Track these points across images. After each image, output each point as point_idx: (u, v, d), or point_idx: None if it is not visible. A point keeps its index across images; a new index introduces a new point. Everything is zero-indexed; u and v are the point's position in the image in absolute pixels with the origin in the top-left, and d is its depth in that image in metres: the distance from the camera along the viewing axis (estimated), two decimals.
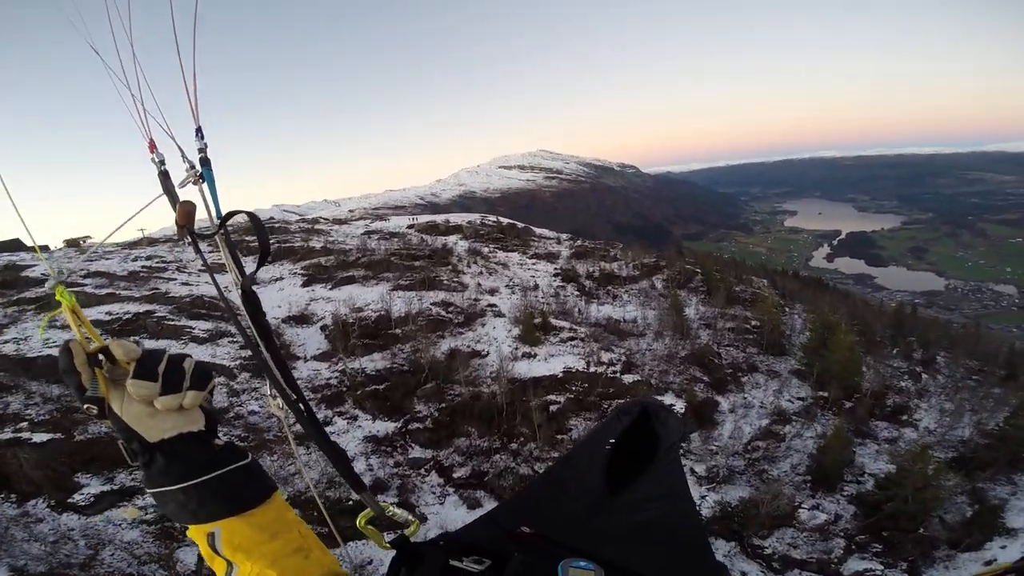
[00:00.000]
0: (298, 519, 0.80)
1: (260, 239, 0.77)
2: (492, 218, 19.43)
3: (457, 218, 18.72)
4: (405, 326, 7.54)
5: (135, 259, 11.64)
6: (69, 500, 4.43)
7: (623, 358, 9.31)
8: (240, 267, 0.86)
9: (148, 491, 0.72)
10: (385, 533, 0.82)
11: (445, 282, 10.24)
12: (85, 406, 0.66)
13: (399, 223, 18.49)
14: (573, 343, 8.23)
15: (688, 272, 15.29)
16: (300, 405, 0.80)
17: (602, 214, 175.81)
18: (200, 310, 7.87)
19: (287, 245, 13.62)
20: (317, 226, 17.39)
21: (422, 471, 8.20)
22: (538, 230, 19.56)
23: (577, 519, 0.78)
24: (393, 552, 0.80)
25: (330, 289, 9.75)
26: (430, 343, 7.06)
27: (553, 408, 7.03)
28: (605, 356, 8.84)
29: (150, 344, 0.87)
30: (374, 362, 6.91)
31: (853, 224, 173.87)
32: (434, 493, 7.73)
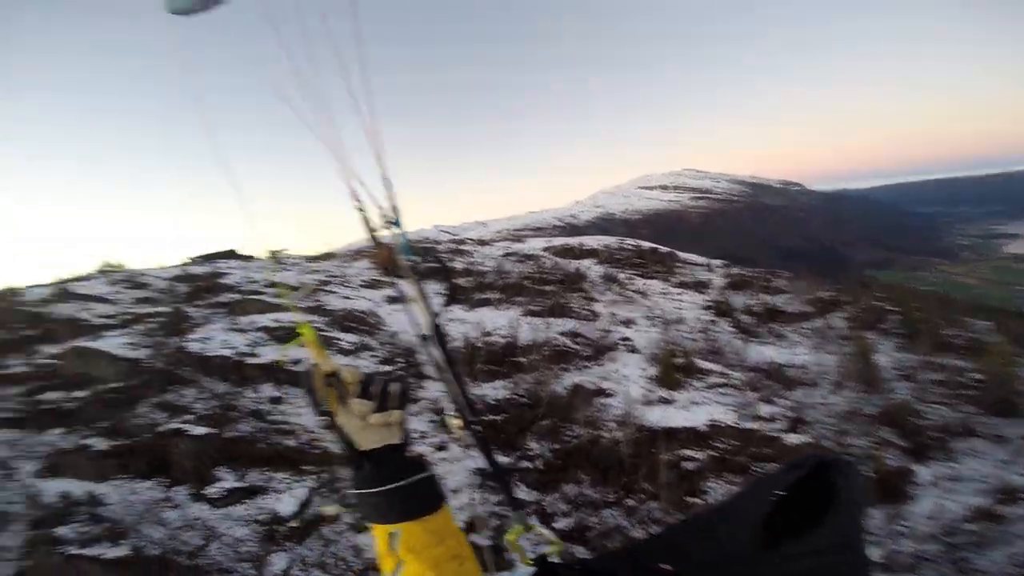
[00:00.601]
0: (459, 530, 0.92)
1: (449, 283, 1.16)
2: (631, 241, 18.30)
3: (593, 241, 17.97)
4: (530, 355, 7.03)
5: (310, 272, 12.93)
6: (203, 492, 4.66)
7: (789, 413, 7.72)
8: (428, 301, 0.99)
9: (352, 492, 0.87)
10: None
11: (576, 310, 9.59)
12: (319, 417, 0.86)
13: (535, 245, 18.36)
14: (723, 390, 6.93)
15: (878, 310, 12.48)
16: (477, 428, 0.96)
17: (761, 237, 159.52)
18: (350, 323, 8.29)
19: (434, 265, 14.20)
20: (463, 247, 18.07)
21: (523, 514, 7.51)
22: (684, 255, 17.90)
23: (724, 565, 0.71)
24: (533, 569, 0.85)
25: (467, 311, 9.70)
26: (552, 375, 6.43)
27: (688, 466, 5.91)
28: (765, 409, 7.37)
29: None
30: (496, 390, 6.49)
31: None
32: (529, 540, 6.97)
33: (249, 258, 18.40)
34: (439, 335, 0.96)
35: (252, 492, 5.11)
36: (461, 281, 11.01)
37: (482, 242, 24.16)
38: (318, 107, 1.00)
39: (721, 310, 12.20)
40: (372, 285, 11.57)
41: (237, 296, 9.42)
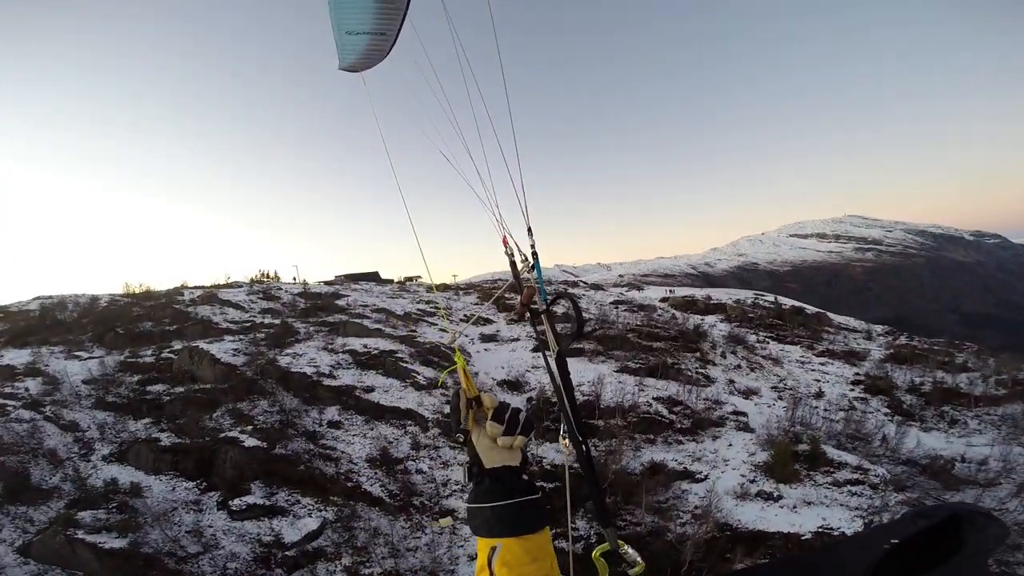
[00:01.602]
0: (553, 553, 0.95)
1: (577, 318, 1.13)
2: (770, 297, 16.17)
3: (722, 294, 16.20)
4: (612, 419, 6.20)
5: (419, 301, 13.32)
6: (230, 501, 4.67)
7: None
8: (557, 336, 1.18)
9: (468, 505, 0.97)
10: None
11: (687, 372, 8.46)
12: (457, 434, 1.00)
13: (653, 295, 17.14)
14: (854, 488, 5.34)
15: None
16: (583, 447, 1.08)
17: (942, 299, 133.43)
18: (432, 357, 8.22)
19: (572, 299, 13.83)
20: (571, 290, 17.49)
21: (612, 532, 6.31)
22: (838, 318, 15.32)
23: None
24: None
25: (555, 359, 9.07)
26: (630, 447, 5.55)
27: None
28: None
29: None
30: (557, 454, 5.77)
31: None
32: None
33: (388, 281, 19.81)
34: (562, 365, 1.11)
35: (272, 511, 5.09)
36: (560, 327, 10.46)
37: (596, 287, 23.36)
38: (476, 163, 1.20)
39: (877, 387, 9.88)
40: (474, 321, 11.54)
41: (344, 317, 9.98)
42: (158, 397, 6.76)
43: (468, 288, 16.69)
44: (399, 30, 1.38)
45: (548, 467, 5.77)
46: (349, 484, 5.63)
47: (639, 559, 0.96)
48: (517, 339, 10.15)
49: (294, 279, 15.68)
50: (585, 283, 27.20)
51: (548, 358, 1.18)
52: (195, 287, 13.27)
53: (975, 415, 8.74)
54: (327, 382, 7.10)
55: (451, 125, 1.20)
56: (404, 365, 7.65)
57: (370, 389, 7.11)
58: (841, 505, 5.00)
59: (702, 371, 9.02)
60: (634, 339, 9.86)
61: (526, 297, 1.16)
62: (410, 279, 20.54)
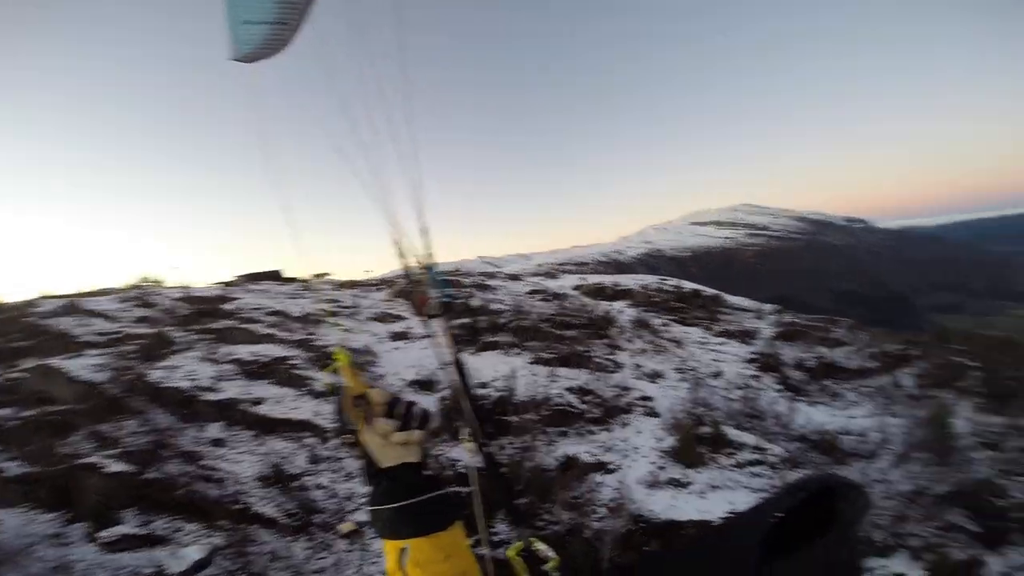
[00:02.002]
0: (468, 548, 0.93)
1: (471, 323, 1.03)
2: (672, 282, 17.00)
3: (629, 280, 16.81)
4: (525, 413, 6.06)
5: (323, 300, 12.48)
6: (98, 534, 4.02)
7: None
8: (454, 339, 1.14)
9: (368, 508, 0.91)
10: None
11: (595, 360, 8.53)
12: (344, 436, 0.92)
13: (566, 283, 17.40)
14: (756, 469, 5.64)
15: (955, 365, 10.58)
16: (487, 448, 1.05)
17: (819, 278, 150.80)
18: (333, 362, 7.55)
19: (450, 301, 13.55)
20: (489, 281, 17.34)
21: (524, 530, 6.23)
22: (733, 298, 16.40)
23: None
24: None
25: (471, 355, 8.84)
26: (544, 442, 5.44)
27: None
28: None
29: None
30: (471, 454, 5.46)
31: None
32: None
33: (291, 280, 18.57)
34: (460, 367, 1.08)
35: (150, 541, 4.46)
36: (474, 321, 10.20)
37: (513, 277, 23.44)
38: (368, 158, 1.12)
39: (767, 364, 10.69)
40: (382, 319, 10.97)
41: (232, 323, 9.02)
42: (3, 423, 5.67)
43: (380, 284, 15.94)
44: (304, 19, 1.29)
45: (462, 470, 5.53)
46: (237, 506, 5.03)
47: (552, 553, 0.95)
48: (430, 336, 9.75)
49: (176, 282, 14.03)
50: (504, 274, 27.21)
51: (444, 359, 1.14)
52: (55, 296, 11.42)
53: (853, 388, 9.70)
54: (207, 396, 6.31)
55: (344, 117, 1.11)
56: (299, 372, 7.01)
57: (259, 401, 6.42)
58: (744, 487, 5.21)
59: (611, 357, 9.19)
60: (547, 329, 9.84)
61: (420, 302, 1.15)
62: (318, 276, 19.32)
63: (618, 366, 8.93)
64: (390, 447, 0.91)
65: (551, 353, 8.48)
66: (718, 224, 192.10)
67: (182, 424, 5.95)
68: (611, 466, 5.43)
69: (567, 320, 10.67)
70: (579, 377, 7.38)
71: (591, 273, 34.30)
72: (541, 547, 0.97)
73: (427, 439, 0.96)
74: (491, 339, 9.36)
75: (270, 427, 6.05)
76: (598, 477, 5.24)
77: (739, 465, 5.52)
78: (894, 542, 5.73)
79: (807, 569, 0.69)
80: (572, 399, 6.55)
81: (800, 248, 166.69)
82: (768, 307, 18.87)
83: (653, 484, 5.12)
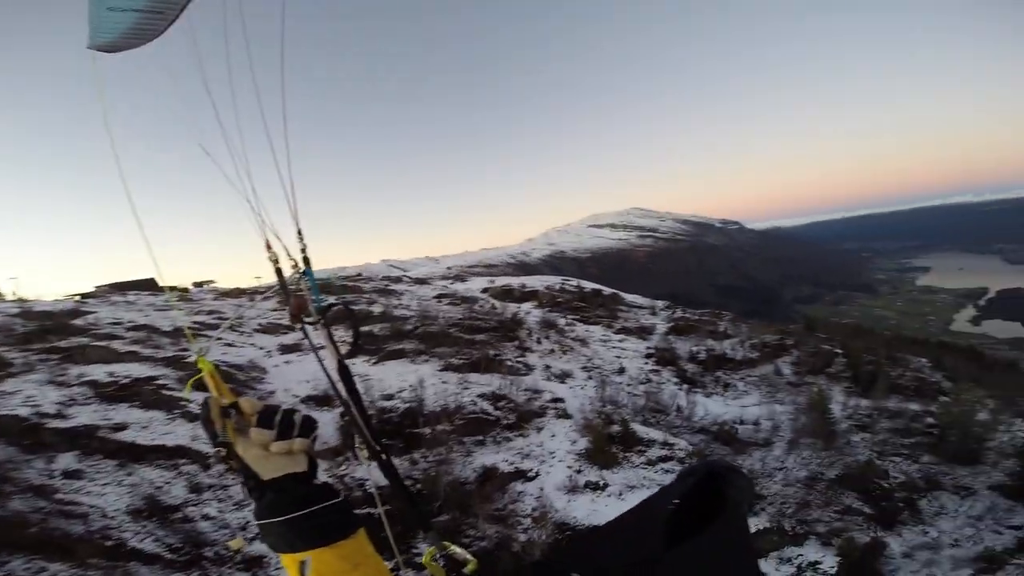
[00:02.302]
0: (376, 555, 0.90)
1: (353, 327, 1.04)
2: (574, 282, 17.46)
3: (535, 281, 17.00)
4: (438, 424, 5.72)
5: (201, 312, 11.22)
6: None
7: None
8: (336, 346, 1.06)
9: (257, 523, 0.84)
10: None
11: (509, 363, 8.37)
12: (216, 449, 0.83)
13: (475, 285, 17.18)
14: (667, 465, 5.81)
15: (825, 353, 11.98)
16: (382, 456, 1.00)
17: (702, 275, 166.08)
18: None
19: (346, 308, 12.63)
20: (393, 286, 16.57)
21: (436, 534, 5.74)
22: (629, 296, 17.19)
23: (628, 570, 0.78)
24: None
25: (372, 364, 8.26)
26: (460, 454, 5.16)
27: None
28: None
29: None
30: (368, 463, 5.01)
31: (1004, 279, 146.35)
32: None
33: (164, 289, 15.59)
34: (346, 375, 1.03)
35: None
36: (375, 328, 9.60)
37: (421, 281, 22.74)
38: (238, 161, 1.04)
39: (664, 358, 11.32)
40: (269, 330, 9.96)
41: (85, 340, 7.64)
42: None
43: (268, 292, 14.62)
44: (182, 8, 1.18)
45: (370, 490, 5.07)
46: (109, 543, 4.19)
47: (469, 556, 0.93)
48: (324, 347, 9.00)
49: (14, 294, 11.69)
50: (410, 278, 26.31)
51: (327, 368, 1.09)
52: None
53: (741, 378, 10.54)
54: (55, 424, 5.22)
55: (212, 112, 1.04)
56: (168, 393, 6.06)
57: (121, 427, 5.43)
58: (658, 485, 5.31)
59: (522, 359, 9.12)
60: (457, 334, 9.54)
61: (295, 307, 1.07)
62: (200, 284, 17.46)
63: (529, 368, 8.87)
64: (271, 458, 0.84)
65: (461, 359, 8.19)
66: (613, 227, 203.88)
67: (25, 455, 4.87)
68: (530, 474, 5.26)
69: (477, 324, 10.45)
70: (491, 382, 7.17)
71: (500, 275, 34.34)
72: (457, 551, 0.95)
73: (311, 447, 0.90)
74: (396, 347, 8.85)
75: (137, 455, 5.15)
76: (519, 486, 5.05)
77: (650, 463, 5.63)
78: (803, 530, 6.18)
79: (704, 550, 0.72)
80: (486, 406, 6.33)
81: (685, 249, 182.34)
82: (660, 303, 20.18)
83: (572, 489, 5.04)
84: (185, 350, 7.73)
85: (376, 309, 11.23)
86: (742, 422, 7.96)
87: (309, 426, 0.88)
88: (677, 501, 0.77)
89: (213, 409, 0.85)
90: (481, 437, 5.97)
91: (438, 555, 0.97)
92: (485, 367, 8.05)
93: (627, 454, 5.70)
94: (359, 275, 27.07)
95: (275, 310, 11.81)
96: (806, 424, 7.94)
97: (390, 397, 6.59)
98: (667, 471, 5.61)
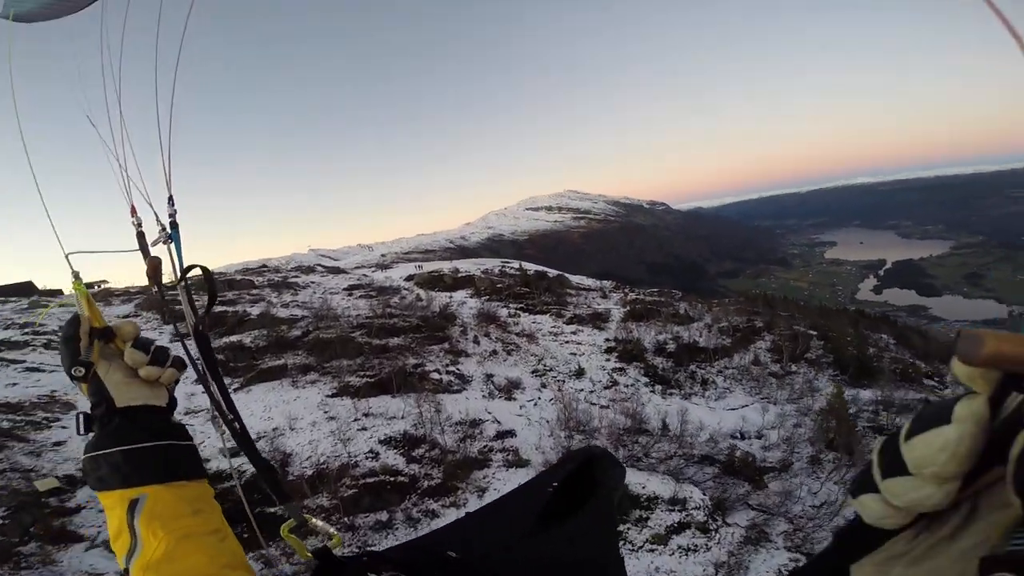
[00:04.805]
0: (219, 508, 0.79)
1: (210, 288, 0.91)
2: (515, 264, 15.23)
3: (471, 265, 14.63)
4: (317, 494, 3.33)
5: (44, 320, 8.45)
6: None
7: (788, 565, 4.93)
8: (196, 312, 0.95)
9: (87, 455, 0.73)
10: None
11: (435, 376, 6.04)
12: (74, 368, 0.74)
13: (399, 273, 14.54)
14: (682, 541, 3.75)
15: (801, 335, 10.65)
16: (236, 423, 0.87)
17: (633, 254, 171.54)
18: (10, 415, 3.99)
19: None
20: (296, 278, 13.70)
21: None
22: (575, 278, 15.22)
23: (504, 551, 0.80)
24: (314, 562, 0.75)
25: (234, 391, 5.55)
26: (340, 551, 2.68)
27: None
28: (758, 566, 4.52)
29: None
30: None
31: (898, 252, 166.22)
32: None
33: (47, 292, 15.58)
34: (202, 339, 0.93)
35: None
36: (247, 339, 6.91)
37: (335, 271, 19.64)
38: (115, 126, 0.99)
39: (628, 352, 9.44)
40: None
41: None
42: None
43: (127, 294, 11.39)
44: None
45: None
46: None
47: (332, 530, 0.78)
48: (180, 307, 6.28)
49: None
50: (324, 268, 22.94)
51: (184, 337, 0.92)
52: None
53: (718, 371, 8.85)
54: None
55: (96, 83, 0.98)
56: None
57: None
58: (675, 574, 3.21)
59: (453, 368, 6.84)
60: (362, 339, 7.03)
61: (151, 268, 0.92)
62: (92, 284, 14.86)
63: (464, 380, 6.61)
64: (134, 385, 0.76)
65: (364, 376, 5.76)
66: (549, 209, 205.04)
67: None
68: None
69: (393, 323, 7.99)
70: (406, 413, 4.81)
71: (437, 260, 31.33)
72: (319, 524, 0.83)
73: (174, 386, 0.82)
74: (272, 364, 6.26)
75: None
76: None
77: (659, 539, 3.54)
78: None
79: (574, 531, 0.77)
80: (394, 458, 3.98)
81: (616, 229, 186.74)
82: (608, 283, 18.52)
83: None
84: None
85: (255, 311, 8.44)
86: (742, 436, 6.14)
87: (182, 361, 0.83)
88: (556, 484, 0.81)
89: (82, 326, 0.76)
90: (385, 515, 3.64)
91: (297, 527, 0.79)
92: (399, 386, 5.68)
93: (622, 527, 3.58)
94: (263, 267, 23.40)
95: (129, 316, 8.89)
96: (819, 432, 6.29)
97: (236, 452, 4.13)
98: (686, 551, 3.54)
